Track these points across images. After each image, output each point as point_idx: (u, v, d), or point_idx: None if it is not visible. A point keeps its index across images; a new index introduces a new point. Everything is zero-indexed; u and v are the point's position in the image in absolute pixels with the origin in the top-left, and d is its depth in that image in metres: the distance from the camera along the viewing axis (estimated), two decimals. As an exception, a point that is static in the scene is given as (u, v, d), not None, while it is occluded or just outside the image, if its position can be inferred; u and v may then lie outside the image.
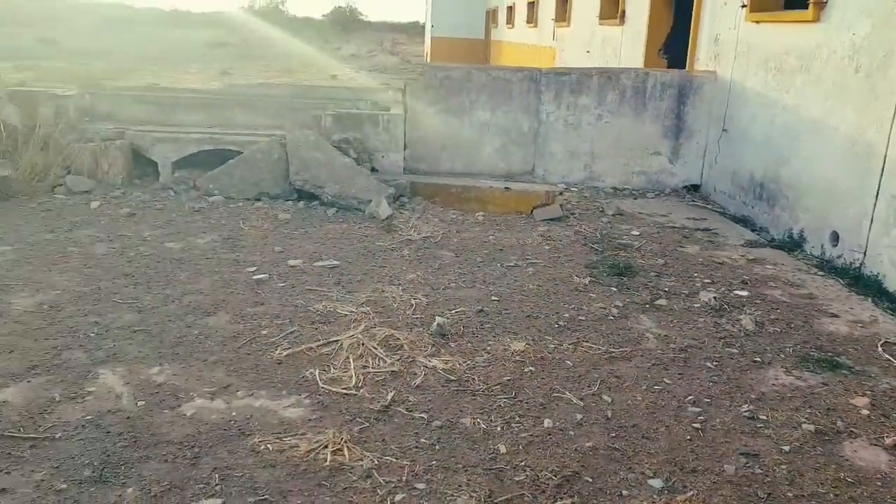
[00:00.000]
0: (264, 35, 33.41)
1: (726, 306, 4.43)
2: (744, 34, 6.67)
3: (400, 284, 4.45)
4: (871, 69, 4.97)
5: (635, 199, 7.26)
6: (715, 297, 4.51)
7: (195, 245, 5.04)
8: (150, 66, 19.30)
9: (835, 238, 5.45)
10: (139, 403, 2.96)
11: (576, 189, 7.35)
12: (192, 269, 4.55)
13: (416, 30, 54.78)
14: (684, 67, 8.02)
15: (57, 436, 2.71)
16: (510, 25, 19.90)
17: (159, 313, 3.86)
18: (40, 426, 2.77)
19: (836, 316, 4.39)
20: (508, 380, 3.34)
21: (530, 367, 3.47)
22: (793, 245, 5.88)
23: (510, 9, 19.95)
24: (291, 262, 4.76)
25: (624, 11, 9.96)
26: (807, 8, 5.68)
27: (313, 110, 7.02)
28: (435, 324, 3.79)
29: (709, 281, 4.89)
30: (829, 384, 3.45)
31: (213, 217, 5.71)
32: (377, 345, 3.57)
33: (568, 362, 3.56)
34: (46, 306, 3.87)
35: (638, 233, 5.96)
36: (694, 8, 7.64)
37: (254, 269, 4.61)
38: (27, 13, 40.37)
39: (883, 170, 4.89)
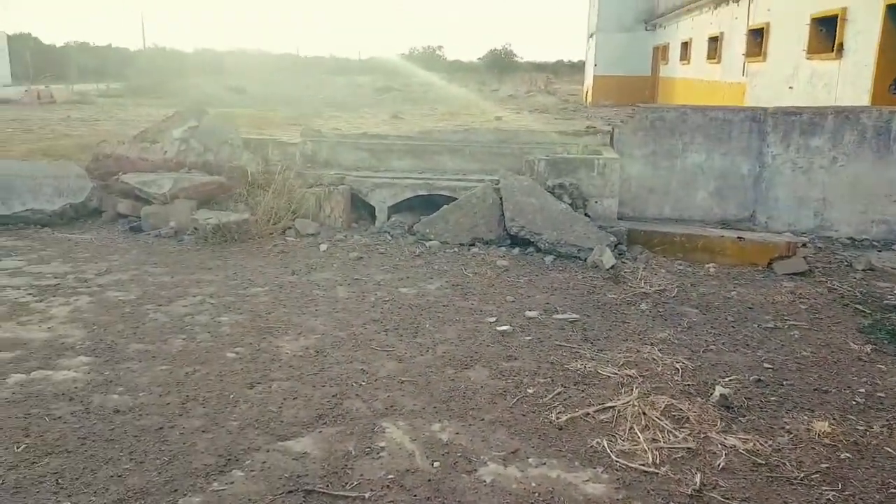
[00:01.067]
0: (424, 79, 34.90)
1: None
2: None
3: (653, 344, 4.14)
4: None
5: (879, 251, 6.46)
6: None
7: (427, 291, 5.05)
8: (329, 111, 20.68)
9: None
10: (434, 464, 2.87)
11: (805, 239, 6.66)
12: (434, 317, 4.53)
13: (564, 68, 54.82)
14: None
15: (366, 496, 2.66)
16: (685, 61, 19.17)
17: (419, 363, 3.83)
18: (346, 483, 2.74)
19: None
20: (826, 467, 2.90)
21: (846, 454, 3.01)
22: None
23: (685, 45, 19.25)
24: (529, 314, 4.61)
25: (842, 44, 9.12)
26: None
27: (520, 155, 6.97)
28: (717, 394, 3.43)
29: None
30: None
31: (435, 263, 5.74)
32: (660, 415, 3.28)
33: (888, 449, 3.05)
34: (312, 351, 3.98)
35: (903, 292, 5.23)
36: (948, 37, 6.78)
37: (493, 319, 4.51)
38: (214, 63, 45.28)
39: None
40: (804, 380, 3.73)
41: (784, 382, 3.70)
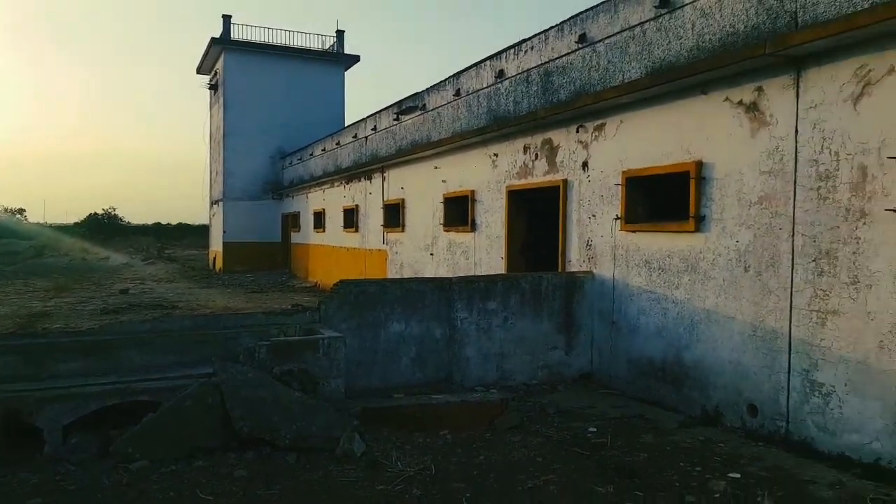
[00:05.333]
0: (6, 247, 29.36)
1: (738, 492, 4.72)
2: (621, 240, 7.79)
3: (454, 535, 3.97)
4: (759, 269, 6.12)
5: (551, 392, 7.57)
6: (725, 485, 4.80)
7: (169, 534, 3.96)
8: None
9: (753, 410, 6.23)
10: None
11: (495, 390, 7.43)
12: (200, 570, 3.55)
13: (171, 231, 52.86)
14: (542, 269, 8.94)
15: None
16: (320, 229, 20.38)
17: None
18: None
19: (814, 483, 4.93)
20: None
21: None
22: (712, 420, 6.55)
23: (319, 214, 20.54)
24: (312, 533, 3.98)
25: (474, 220, 10.96)
26: (683, 220, 6.92)
27: (224, 341, 6.31)
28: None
29: (699, 468, 5.19)
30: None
31: (155, 492, 4.58)
32: None
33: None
34: None
35: (595, 429, 6.17)
36: (560, 221, 8.76)
37: (276, 551, 3.75)
38: None
39: (789, 349, 5.86)
40: (594, 537, 4.01)
41: (583, 545, 3.90)
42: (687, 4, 6.68)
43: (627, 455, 5.49)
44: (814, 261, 5.65)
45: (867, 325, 5.27)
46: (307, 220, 22.09)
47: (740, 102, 6.28)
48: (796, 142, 5.77)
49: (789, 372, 5.88)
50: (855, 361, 5.36)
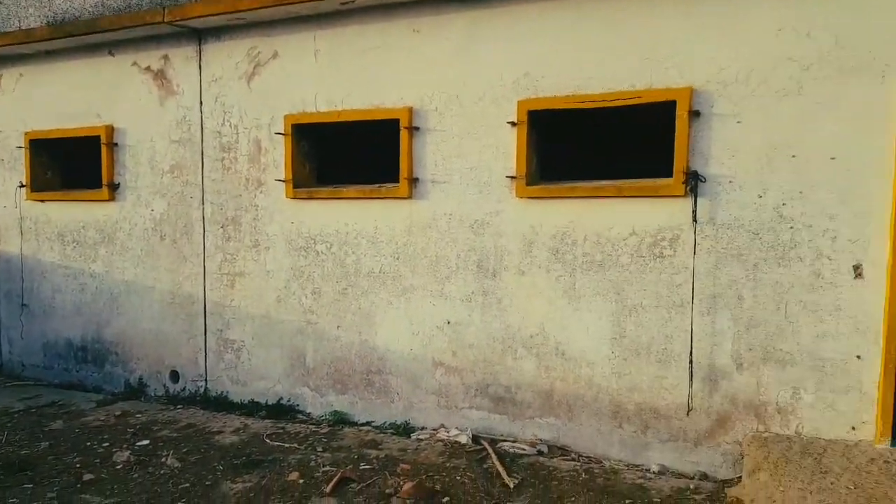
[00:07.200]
0: None
1: (143, 457, 4.72)
2: (28, 211, 6.81)
3: None
4: (175, 237, 6.21)
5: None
6: (130, 454, 4.73)
7: None
8: None
9: (175, 376, 6.36)
10: None
11: None
12: None
13: None
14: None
15: None
16: None
17: None
18: None
19: (222, 432, 5.32)
20: None
21: None
22: (136, 393, 6.43)
23: None
24: None
25: None
26: (97, 189, 6.47)
27: None
28: None
29: (108, 444, 4.99)
30: (267, 477, 4.40)
31: None
32: None
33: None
34: None
35: (-13, 430, 5.27)
36: (-54, 186, 7.14)
37: None
38: None
39: (205, 312, 6.17)
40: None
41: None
42: (90, -45, 6.21)
43: (26, 448, 4.86)
44: (222, 227, 6.03)
45: (267, 282, 5.90)
46: None
47: (148, 68, 6.19)
48: (202, 113, 6.02)
49: (206, 334, 6.17)
50: (259, 316, 5.96)
